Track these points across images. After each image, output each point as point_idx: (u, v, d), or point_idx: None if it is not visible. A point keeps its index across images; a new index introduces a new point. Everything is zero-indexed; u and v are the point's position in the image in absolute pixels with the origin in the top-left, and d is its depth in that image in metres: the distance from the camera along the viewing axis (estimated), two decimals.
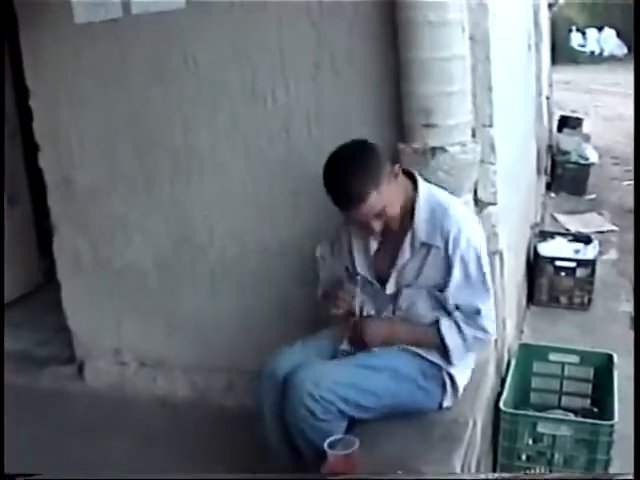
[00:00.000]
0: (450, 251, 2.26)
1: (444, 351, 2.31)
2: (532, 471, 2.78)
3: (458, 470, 2.18)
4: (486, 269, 2.32)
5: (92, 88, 3.17)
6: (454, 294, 2.30)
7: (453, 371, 2.36)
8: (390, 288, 2.39)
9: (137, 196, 3.25)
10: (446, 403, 2.39)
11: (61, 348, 3.71)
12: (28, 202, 4.69)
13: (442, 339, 2.30)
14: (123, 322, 3.48)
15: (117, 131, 3.20)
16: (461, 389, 2.41)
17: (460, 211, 2.34)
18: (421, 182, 2.36)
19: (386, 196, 2.23)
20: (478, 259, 2.29)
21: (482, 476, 2.56)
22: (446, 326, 2.30)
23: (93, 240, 3.41)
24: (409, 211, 2.32)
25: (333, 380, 2.22)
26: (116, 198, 3.30)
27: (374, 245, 2.42)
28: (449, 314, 2.32)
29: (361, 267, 2.43)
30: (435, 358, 2.34)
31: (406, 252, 2.33)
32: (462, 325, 2.30)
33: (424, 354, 2.34)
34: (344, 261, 2.50)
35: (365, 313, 2.44)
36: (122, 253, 3.37)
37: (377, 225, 2.28)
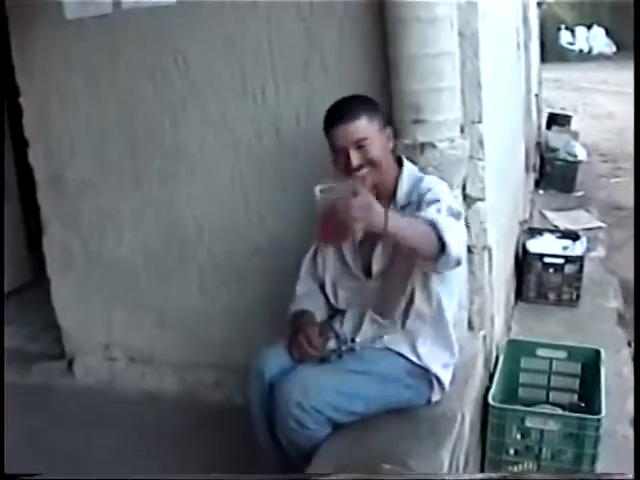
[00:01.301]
0: (422, 199, 2.24)
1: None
2: (520, 465, 2.80)
3: (446, 464, 2.18)
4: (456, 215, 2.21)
5: (82, 85, 3.17)
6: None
7: (438, 372, 2.35)
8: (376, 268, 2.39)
9: (127, 193, 3.25)
10: (434, 398, 2.40)
11: (51, 344, 3.72)
12: (17, 199, 4.69)
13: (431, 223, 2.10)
14: (113, 318, 3.48)
15: (107, 128, 3.20)
16: (447, 384, 2.41)
17: (437, 181, 2.37)
18: (406, 162, 2.43)
19: (374, 134, 2.30)
20: (450, 209, 2.18)
21: (480, 476, 2.58)
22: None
23: (83, 237, 3.40)
24: (392, 190, 2.36)
25: (320, 387, 2.20)
26: (106, 195, 3.30)
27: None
28: None
29: (348, 254, 2.45)
30: (418, 359, 2.33)
31: None
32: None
33: (408, 355, 2.33)
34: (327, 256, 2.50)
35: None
36: (112, 250, 3.37)
37: (356, 159, 2.27)
